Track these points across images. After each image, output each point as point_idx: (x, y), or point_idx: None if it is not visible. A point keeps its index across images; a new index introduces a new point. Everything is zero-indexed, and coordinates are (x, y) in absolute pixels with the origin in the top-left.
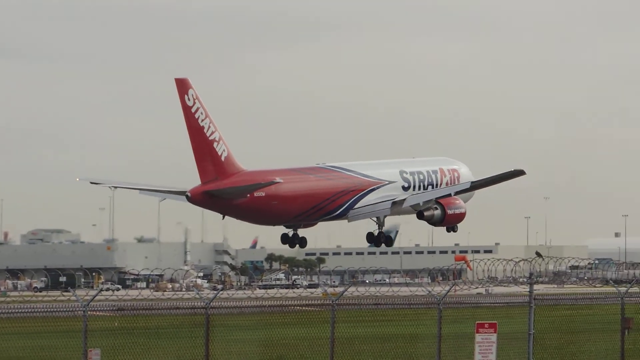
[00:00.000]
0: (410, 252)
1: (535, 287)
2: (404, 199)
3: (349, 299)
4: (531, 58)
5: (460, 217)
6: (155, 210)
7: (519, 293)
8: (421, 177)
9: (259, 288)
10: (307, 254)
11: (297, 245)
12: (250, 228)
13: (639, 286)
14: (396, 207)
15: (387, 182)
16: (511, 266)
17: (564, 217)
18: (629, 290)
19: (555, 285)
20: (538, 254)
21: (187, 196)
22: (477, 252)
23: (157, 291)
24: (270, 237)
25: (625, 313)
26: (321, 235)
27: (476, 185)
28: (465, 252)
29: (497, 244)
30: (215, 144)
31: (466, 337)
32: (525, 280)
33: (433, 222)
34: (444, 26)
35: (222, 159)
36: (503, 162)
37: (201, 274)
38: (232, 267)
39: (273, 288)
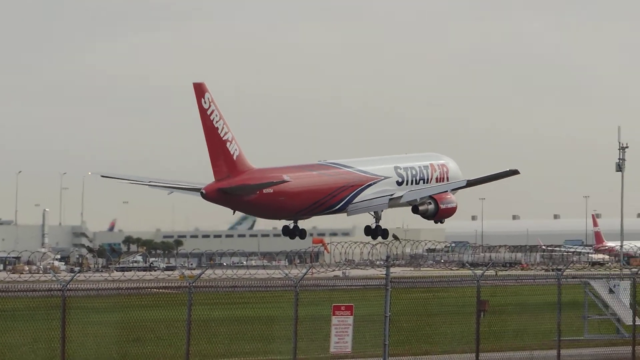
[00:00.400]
0: (268, 235)
1: (392, 269)
2: (402, 195)
3: (206, 281)
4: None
5: (452, 211)
6: (13, 192)
7: (376, 276)
8: (414, 172)
9: (116, 270)
10: (164, 237)
11: (297, 237)
12: (107, 210)
13: (495, 269)
14: (393, 202)
15: (383, 178)
16: (368, 249)
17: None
18: (484, 273)
19: (412, 268)
20: (395, 237)
21: (202, 193)
22: (335, 234)
23: (13, 273)
24: (127, 219)
25: (480, 296)
26: (178, 218)
27: (471, 183)
28: (323, 235)
29: (354, 226)
30: (228, 144)
31: (323, 319)
32: (382, 263)
33: (427, 216)
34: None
35: (234, 157)
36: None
37: (59, 257)
38: (90, 250)
39: (130, 270)
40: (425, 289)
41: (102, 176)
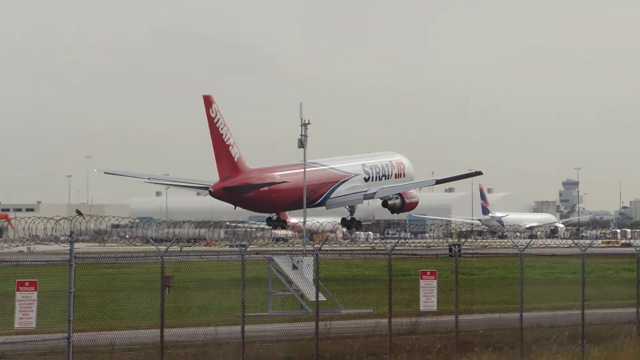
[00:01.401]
0: None
1: (76, 245)
2: (375, 192)
3: None
4: None
5: (415, 205)
6: None
7: (61, 251)
8: (377, 169)
9: None
10: None
11: (280, 227)
12: None
13: (180, 245)
14: (368, 197)
15: (353, 175)
16: (52, 224)
17: (105, 177)
18: (169, 249)
19: (97, 244)
20: (78, 212)
21: (210, 191)
22: (19, 210)
23: None
24: None
25: (165, 271)
26: None
27: (439, 182)
28: (7, 210)
29: (39, 202)
30: (230, 148)
31: (6, 295)
32: (66, 238)
33: (394, 209)
34: None
35: (235, 159)
36: None
37: None
38: None
39: None
40: (110, 264)
41: (106, 172)
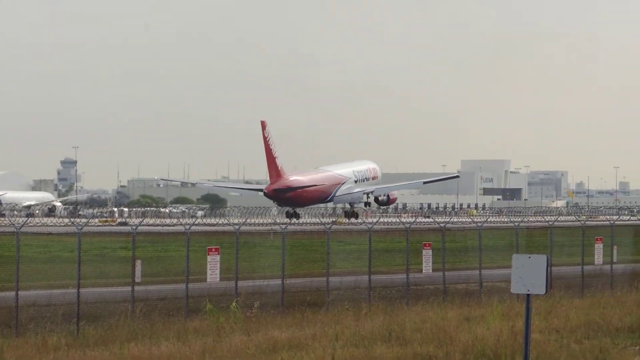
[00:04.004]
0: None
1: None
2: (372, 190)
3: None
4: None
5: (395, 199)
6: None
7: None
8: (362, 174)
9: None
10: None
11: (295, 218)
12: None
13: None
14: (366, 195)
15: (348, 178)
16: None
17: None
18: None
19: None
20: None
21: (264, 192)
22: None
23: None
24: None
25: None
26: None
27: (426, 183)
28: None
29: None
30: (276, 159)
31: None
32: None
33: (381, 203)
34: None
35: (279, 168)
36: None
37: None
38: None
39: None
40: None
41: (162, 179)
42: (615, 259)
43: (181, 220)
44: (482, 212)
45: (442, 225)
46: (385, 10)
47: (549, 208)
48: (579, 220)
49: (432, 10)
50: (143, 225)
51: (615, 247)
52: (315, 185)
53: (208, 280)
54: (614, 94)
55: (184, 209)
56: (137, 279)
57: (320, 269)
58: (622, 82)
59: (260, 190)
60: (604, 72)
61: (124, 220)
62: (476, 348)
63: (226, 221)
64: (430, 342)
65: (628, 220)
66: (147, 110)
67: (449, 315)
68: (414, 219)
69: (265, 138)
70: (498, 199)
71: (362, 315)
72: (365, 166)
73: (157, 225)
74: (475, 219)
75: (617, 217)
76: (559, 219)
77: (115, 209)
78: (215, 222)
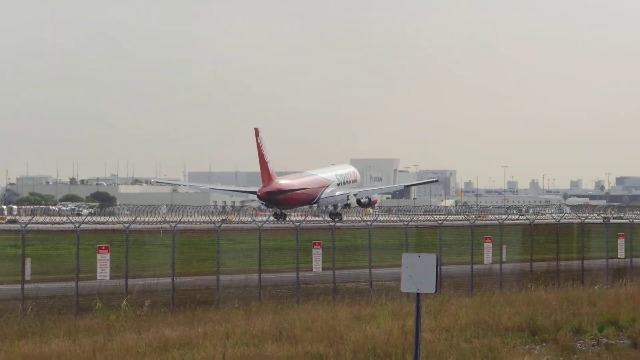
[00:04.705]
0: None
1: None
2: (356, 193)
3: None
4: None
5: (376, 202)
6: None
7: None
8: (344, 178)
9: None
10: None
11: (280, 218)
12: None
13: None
14: (350, 197)
15: (332, 182)
16: None
17: None
18: None
19: None
20: None
21: (257, 195)
22: None
23: None
24: None
25: None
26: None
27: (407, 186)
28: None
29: None
30: (268, 164)
31: None
32: None
33: (363, 205)
34: None
35: (271, 172)
36: None
37: None
38: None
39: None
40: None
41: (158, 182)
42: (504, 259)
43: (71, 218)
44: (372, 210)
45: (331, 224)
46: (263, 14)
47: (438, 207)
48: (468, 220)
49: (313, 13)
50: (33, 223)
51: (504, 246)
52: (304, 189)
53: (98, 278)
54: (502, 94)
55: (73, 207)
56: (27, 277)
57: (211, 267)
58: (509, 83)
59: (253, 192)
60: (491, 73)
61: (14, 217)
62: (367, 347)
63: (116, 219)
64: (320, 341)
65: (517, 219)
66: (36, 108)
67: (340, 314)
68: (303, 218)
69: (258, 144)
70: (387, 198)
71: (252, 314)
72: (346, 170)
73: (47, 223)
74: (365, 218)
75: (506, 216)
76: (448, 218)
77: (4, 207)
78: (105, 220)
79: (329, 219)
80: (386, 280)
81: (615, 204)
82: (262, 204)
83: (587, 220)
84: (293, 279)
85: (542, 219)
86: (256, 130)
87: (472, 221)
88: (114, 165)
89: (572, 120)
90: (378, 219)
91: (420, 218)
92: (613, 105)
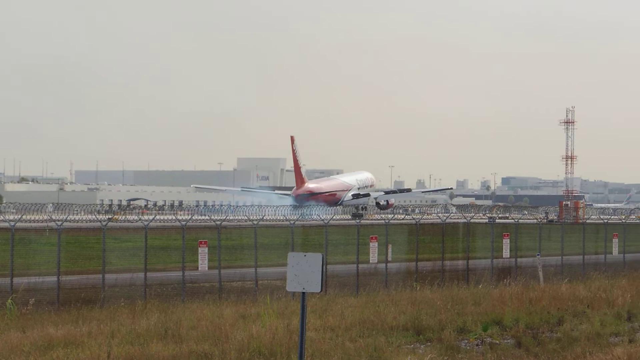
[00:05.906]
0: None
1: None
2: (377, 197)
3: None
4: None
5: (393, 204)
6: None
7: None
8: (362, 182)
9: None
10: None
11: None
12: None
13: None
14: (371, 199)
15: (352, 186)
16: None
17: None
18: None
19: None
20: None
21: (292, 196)
22: None
23: None
24: None
25: None
26: None
27: (411, 190)
28: None
29: None
30: (301, 168)
31: None
32: None
33: (382, 207)
34: None
35: (303, 176)
36: None
37: None
38: None
39: None
40: None
41: (196, 187)
42: (390, 258)
43: None
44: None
45: (217, 223)
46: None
47: None
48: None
49: (197, 10)
50: None
51: (390, 245)
52: (331, 192)
53: None
54: (387, 94)
55: None
56: None
57: (97, 265)
58: (393, 84)
59: (288, 194)
60: (378, 73)
61: None
62: (252, 346)
63: (2, 217)
64: (206, 340)
65: (402, 219)
66: None
67: (225, 313)
68: (190, 217)
69: (293, 150)
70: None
71: (137, 313)
72: (364, 175)
73: None
74: (252, 217)
75: (392, 215)
76: (334, 217)
77: None
78: None
79: (350, 217)
80: (272, 280)
81: (500, 204)
82: (296, 204)
83: (472, 220)
84: (179, 277)
85: (428, 219)
86: (292, 139)
87: (357, 220)
88: (0, 164)
89: (456, 120)
90: (264, 217)
91: (306, 217)
92: (499, 106)
